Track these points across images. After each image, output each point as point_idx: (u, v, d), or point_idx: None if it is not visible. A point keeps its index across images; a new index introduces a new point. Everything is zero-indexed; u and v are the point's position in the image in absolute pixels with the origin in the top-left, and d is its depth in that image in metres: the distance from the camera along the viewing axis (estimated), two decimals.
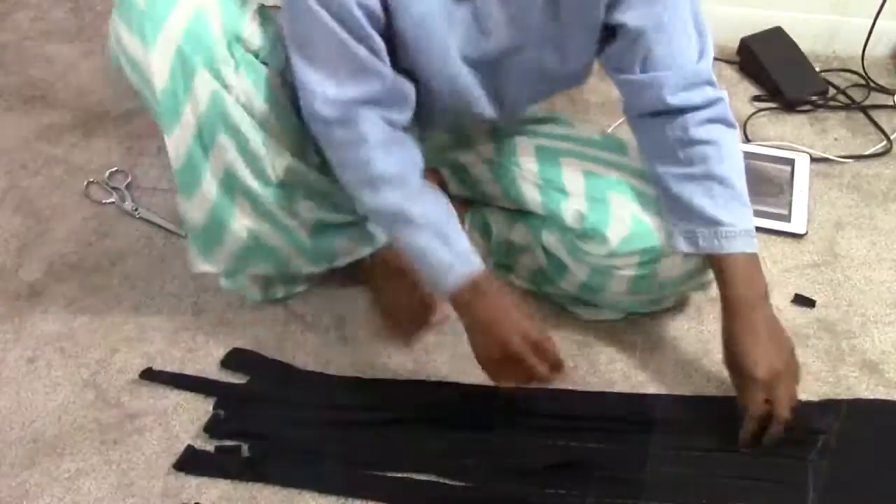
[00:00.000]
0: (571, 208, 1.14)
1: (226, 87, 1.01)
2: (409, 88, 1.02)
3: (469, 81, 1.07)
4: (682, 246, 1.08)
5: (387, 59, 0.99)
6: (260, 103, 1.04)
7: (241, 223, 1.12)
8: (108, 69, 1.03)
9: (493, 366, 1.05)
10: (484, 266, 1.02)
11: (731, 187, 1.07)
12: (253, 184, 1.09)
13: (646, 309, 1.25)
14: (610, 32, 1.06)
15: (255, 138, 1.05)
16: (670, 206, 1.09)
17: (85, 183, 1.53)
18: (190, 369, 1.23)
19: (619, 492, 1.06)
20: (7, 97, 1.73)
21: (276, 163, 1.08)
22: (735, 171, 1.08)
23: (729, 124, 1.09)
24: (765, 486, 1.06)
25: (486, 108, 1.12)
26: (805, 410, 1.14)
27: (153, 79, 1.01)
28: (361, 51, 0.96)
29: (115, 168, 1.55)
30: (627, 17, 1.02)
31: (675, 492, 1.06)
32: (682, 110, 1.06)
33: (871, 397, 1.17)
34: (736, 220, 1.05)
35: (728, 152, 1.08)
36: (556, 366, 1.03)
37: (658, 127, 1.09)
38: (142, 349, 1.25)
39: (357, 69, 0.97)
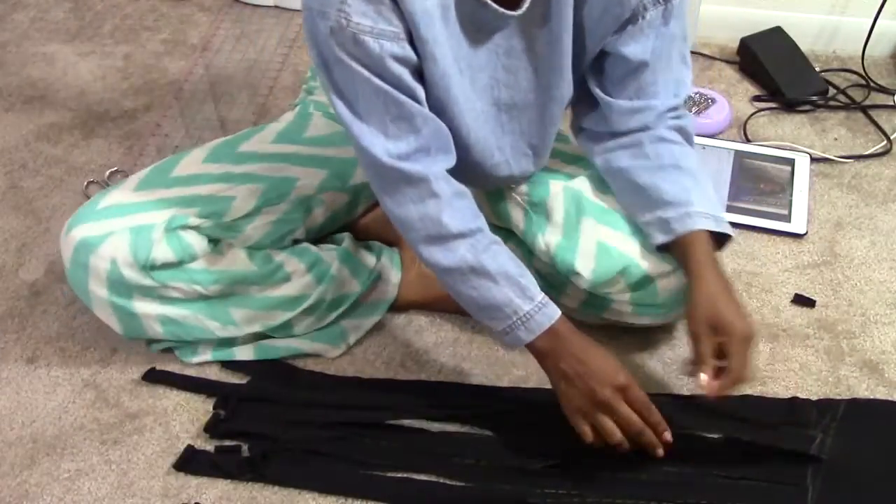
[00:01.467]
0: (541, 249, 1.14)
1: (166, 298, 1.15)
2: (447, 130, 1.00)
3: (496, 127, 1.06)
4: (659, 238, 1.07)
5: (426, 104, 0.97)
6: (212, 287, 1.15)
7: (244, 352, 1.24)
8: None
9: (581, 417, 1.02)
10: (560, 313, 1.02)
11: (698, 180, 1.07)
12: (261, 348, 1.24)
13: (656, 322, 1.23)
14: (600, 56, 1.05)
15: (217, 324, 1.18)
16: (640, 200, 1.08)
17: (85, 183, 1.53)
18: (190, 369, 1.23)
19: (619, 492, 1.06)
20: (7, 97, 1.73)
21: (247, 329, 1.20)
22: (699, 171, 1.09)
23: (691, 141, 1.11)
24: (765, 486, 1.06)
25: (515, 159, 1.10)
26: (804, 409, 1.14)
27: (112, 327, 1.18)
28: (404, 98, 0.94)
29: (115, 168, 1.55)
30: (630, 49, 1.02)
31: (675, 492, 1.06)
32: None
33: (871, 397, 1.17)
34: (705, 206, 1.05)
35: (691, 154, 1.10)
36: (647, 415, 1.01)
37: (632, 134, 1.10)
38: (142, 349, 1.25)
39: (404, 116, 0.95)
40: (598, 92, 1.08)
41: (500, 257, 1.01)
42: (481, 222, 1.03)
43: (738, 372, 0.99)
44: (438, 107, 0.98)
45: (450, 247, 1.00)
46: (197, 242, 1.14)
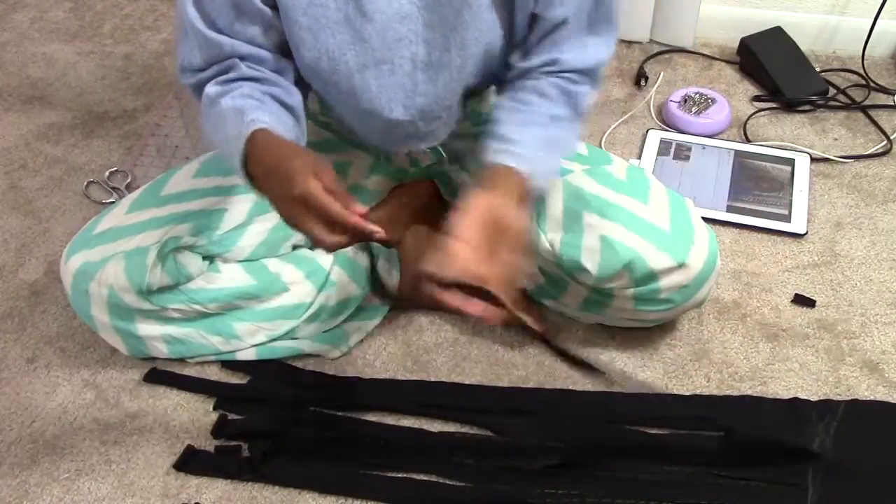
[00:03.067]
0: (545, 247, 1.13)
1: (167, 319, 1.15)
2: (263, 57, 1.02)
3: (405, 82, 1.04)
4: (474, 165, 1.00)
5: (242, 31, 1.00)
6: (212, 304, 1.15)
7: (245, 352, 1.23)
8: None
9: (296, 227, 0.89)
10: (263, 125, 0.93)
11: (545, 131, 1.01)
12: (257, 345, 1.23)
13: (647, 325, 1.23)
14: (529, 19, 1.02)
15: (221, 338, 1.19)
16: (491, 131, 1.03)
17: (85, 183, 1.53)
18: (190, 369, 1.23)
19: (619, 492, 1.06)
20: (7, 97, 1.73)
21: (251, 342, 1.21)
22: (557, 128, 1.02)
23: (575, 108, 1.04)
24: (765, 486, 1.06)
25: (425, 121, 1.08)
26: (805, 410, 1.14)
27: (118, 348, 1.21)
28: (204, 28, 0.99)
29: (115, 168, 1.55)
30: (557, 11, 0.99)
31: (675, 492, 1.06)
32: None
33: (871, 397, 1.17)
34: (528, 150, 0.98)
35: (560, 114, 1.03)
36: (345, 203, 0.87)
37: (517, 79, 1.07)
38: None
39: (203, 43, 1.00)
40: (512, 56, 1.05)
41: (239, 100, 0.98)
42: (247, 85, 1.01)
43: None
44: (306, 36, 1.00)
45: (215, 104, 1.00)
46: (191, 263, 1.13)
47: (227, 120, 0.96)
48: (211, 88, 1.01)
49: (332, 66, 1.03)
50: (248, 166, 0.92)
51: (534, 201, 1.00)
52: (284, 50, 1.05)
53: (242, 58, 1.02)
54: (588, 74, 1.05)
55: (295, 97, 1.05)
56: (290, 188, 0.86)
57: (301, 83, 1.08)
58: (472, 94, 1.12)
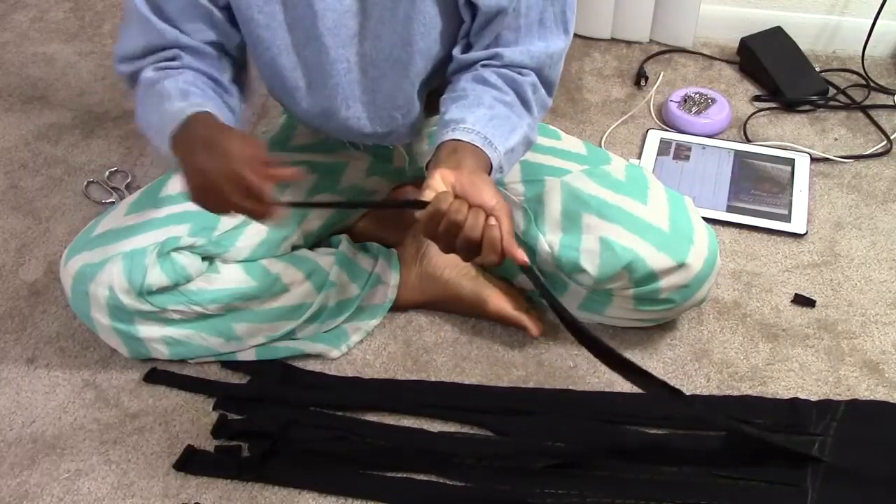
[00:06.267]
0: (544, 249, 1.14)
1: (167, 320, 1.15)
2: (205, 51, 1.04)
3: (361, 80, 1.06)
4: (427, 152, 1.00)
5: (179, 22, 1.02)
6: (211, 306, 1.15)
7: (245, 352, 1.23)
8: None
9: (202, 199, 0.92)
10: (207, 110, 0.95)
11: (491, 112, 0.98)
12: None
13: (647, 325, 1.24)
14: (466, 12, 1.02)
15: (221, 340, 1.19)
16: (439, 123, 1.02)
17: (85, 183, 1.53)
18: (190, 369, 1.23)
19: (619, 492, 1.06)
20: (7, 97, 1.73)
21: (251, 342, 1.21)
22: (503, 109, 1.00)
23: (522, 98, 1.02)
24: (765, 487, 1.06)
25: (380, 119, 1.09)
26: (804, 411, 1.14)
27: (118, 350, 1.21)
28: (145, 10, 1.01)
29: (115, 168, 1.55)
30: (492, 1, 0.98)
31: (675, 492, 1.06)
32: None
33: (871, 397, 1.17)
34: (478, 125, 0.96)
35: (507, 100, 1.01)
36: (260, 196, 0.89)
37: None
38: None
39: (144, 27, 1.02)
40: (456, 53, 1.05)
41: (183, 84, 0.99)
42: (189, 73, 1.02)
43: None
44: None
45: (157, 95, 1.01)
46: (190, 263, 1.13)
47: (171, 97, 0.97)
48: (150, 73, 1.02)
49: (291, 62, 1.05)
50: (177, 136, 0.93)
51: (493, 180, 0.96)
52: (225, 49, 1.07)
53: (183, 48, 1.03)
54: (534, 70, 1.03)
55: (234, 97, 1.07)
56: (227, 162, 0.88)
57: (237, 84, 1.11)
58: (438, 94, 1.11)
